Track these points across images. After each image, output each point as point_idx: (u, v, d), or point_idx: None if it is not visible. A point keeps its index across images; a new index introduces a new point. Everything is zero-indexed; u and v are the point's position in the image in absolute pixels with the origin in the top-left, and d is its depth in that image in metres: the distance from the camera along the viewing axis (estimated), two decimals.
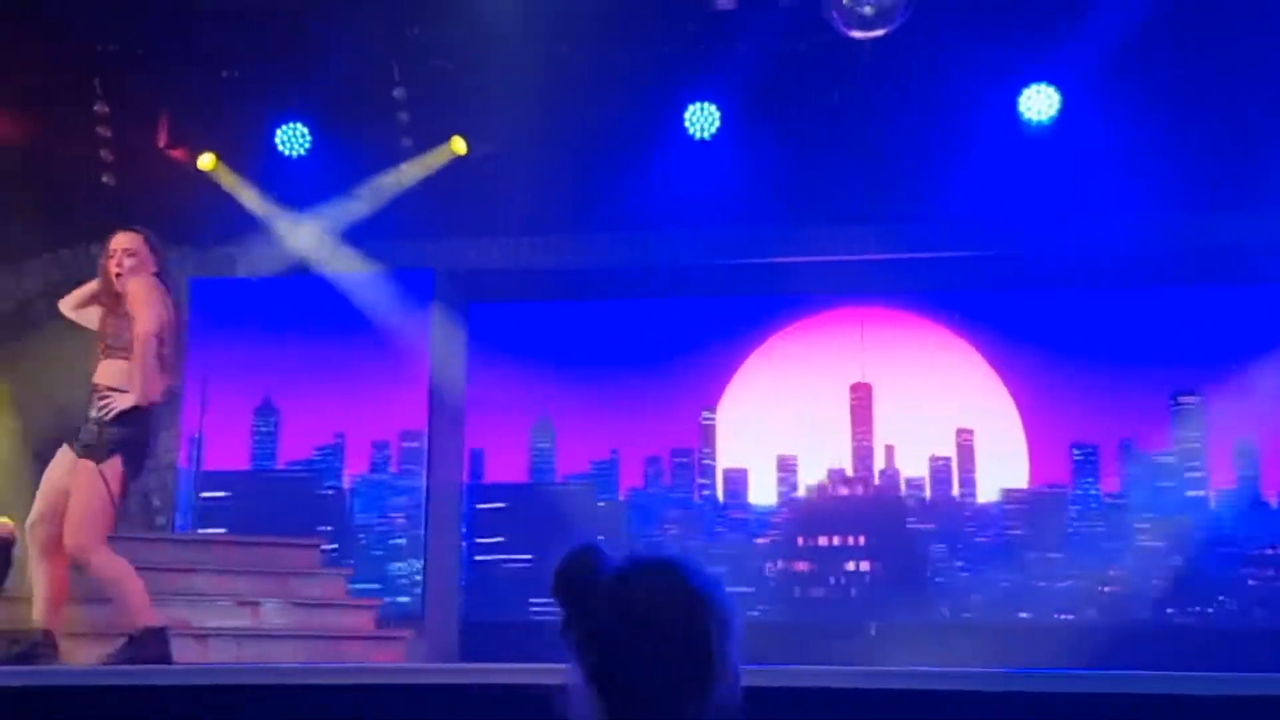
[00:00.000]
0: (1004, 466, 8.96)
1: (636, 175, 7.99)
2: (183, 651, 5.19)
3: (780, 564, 8.98)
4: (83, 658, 5.01)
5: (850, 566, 8.99)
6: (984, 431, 8.99)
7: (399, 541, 9.10)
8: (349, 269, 8.88)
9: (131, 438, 4.91)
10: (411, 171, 8.34)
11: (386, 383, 9.14)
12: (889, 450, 9.10)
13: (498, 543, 9.20)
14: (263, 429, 9.30)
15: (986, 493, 8.95)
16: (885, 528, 8.99)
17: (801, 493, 9.14)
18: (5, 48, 7.24)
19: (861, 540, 9.00)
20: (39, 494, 4.97)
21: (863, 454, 9.12)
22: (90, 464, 4.83)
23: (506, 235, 8.63)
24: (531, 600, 8.90)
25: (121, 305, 5.03)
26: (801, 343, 9.23)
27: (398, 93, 7.97)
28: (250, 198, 8.42)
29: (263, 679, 3.84)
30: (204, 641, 6.15)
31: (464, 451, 9.30)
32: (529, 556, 9.02)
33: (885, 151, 7.83)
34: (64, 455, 4.97)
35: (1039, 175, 7.83)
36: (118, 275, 5.04)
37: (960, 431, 9.03)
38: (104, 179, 8.08)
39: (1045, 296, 8.97)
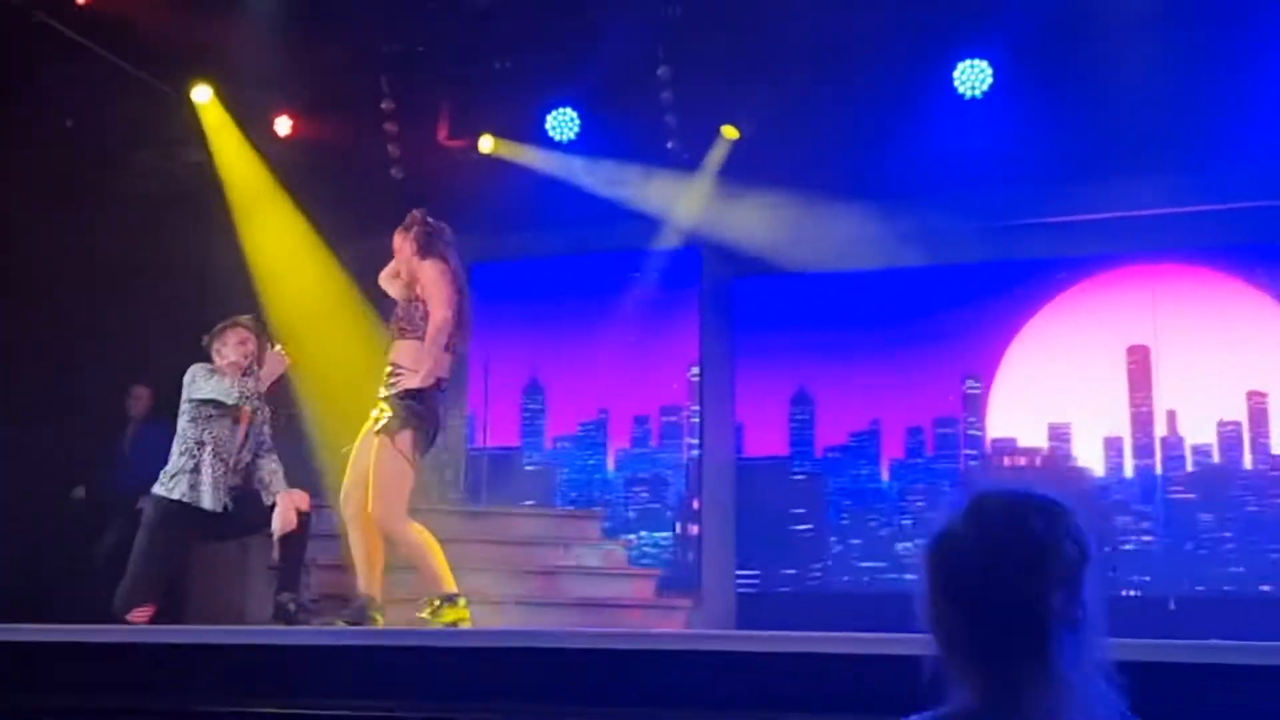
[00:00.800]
0: None
1: (905, 139, 7.79)
2: (479, 619, 5.48)
3: None
4: (396, 620, 5.37)
5: None
6: None
7: (630, 514, 9.28)
8: (618, 247, 9.10)
9: (421, 414, 5.21)
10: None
11: (650, 358, 9.29)
12: (1170, 415, 8.60)
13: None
14: (531, 406, 9.66)
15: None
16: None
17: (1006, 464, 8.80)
18: (303, 57, 7.78)
19: None
20: (348, 471, 5.33)
21: (1141, 420, 8.65)
22: (385, 439, 5.15)
23: (772, 208, 8.63)
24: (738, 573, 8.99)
25: (413, 289, 5.36)
26: (1082, 305, 8.80)
27: (662, 71, 8.08)
28: (528, 178, 8.71)
29: (548, 642, 4.02)
30: (497, 609, 6.46)
31: (733, 424, 9.40)
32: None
33: (1172, 98, 7.31)
34: (367, 434, 5.32)
35: None
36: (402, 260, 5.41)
37: (1252, 394, 8.43)
38: (393, 172, 8.56)
39: None
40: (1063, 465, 8.73)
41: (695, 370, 9.32)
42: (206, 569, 7.82)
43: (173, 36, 7.61)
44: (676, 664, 3.64)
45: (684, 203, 8.69)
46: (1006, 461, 8.87)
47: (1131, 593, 8.24)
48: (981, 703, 1.52)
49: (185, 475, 5.43)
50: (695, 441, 9.24)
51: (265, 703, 3.76)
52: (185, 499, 5.41)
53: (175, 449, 5.50)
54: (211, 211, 8.55)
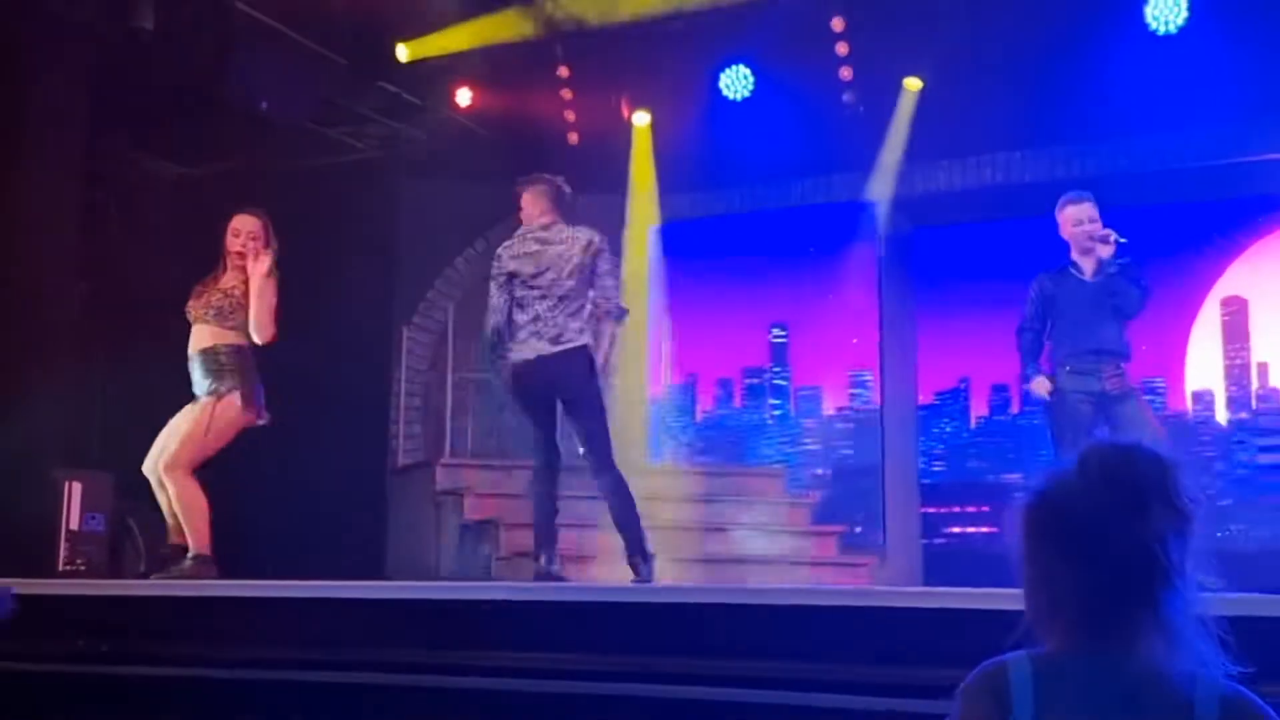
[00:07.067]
0: None
1: (1093, 80, 7.47)
2: (664, 576, 5.57)
3: None
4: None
5: None
6: None
7: (813, 472, 9.20)
8: (794, 204, 9.01)
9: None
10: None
11: (828, 314, 9.20)
12: (1262, 368, 8.21)
13: None
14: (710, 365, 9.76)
15: None
16: None
17: None
18: (479, 32, 7.96)
19: None
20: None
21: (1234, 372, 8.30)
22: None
23: (952, 157, 8.42)
24: None
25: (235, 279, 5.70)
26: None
27: (835, 23, 7.95)
28: (704, 137, 8.69)
29: (733, 599, 4.06)
30: (682, 565, 6.55)
31: (916, 379, 9.25)
32: None
33: None
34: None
35: None
36: (239, 253, 5.72)
37: None
38: (570, 139, 8.67)
39: None
40: None
41: (778, 331, 9.28)
42: (405, 527, 8.17)
43: (359, 15, 7.87)
44: (860, 620, 3.64)
45: (861, 156, 8.55)
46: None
47: None
48: (1087, 649, 1.56)
49: None
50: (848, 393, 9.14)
51: (459, 655, 3.91)
52: None
53: None
54: (398, 184, 8.85)
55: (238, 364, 5.61)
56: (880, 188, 8.61)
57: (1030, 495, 1.64)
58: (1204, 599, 1.57)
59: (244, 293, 5.66)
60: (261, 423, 5.68)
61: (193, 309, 5.72)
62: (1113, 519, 1.55)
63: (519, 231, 5.62)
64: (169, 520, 5.68)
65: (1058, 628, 1.59)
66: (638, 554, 5.24)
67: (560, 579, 5.33)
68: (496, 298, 5.46)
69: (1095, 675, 1.56)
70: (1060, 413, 5.50)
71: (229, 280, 5.73)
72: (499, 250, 5.55)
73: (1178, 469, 1.59)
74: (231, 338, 5.64)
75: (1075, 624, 1.58)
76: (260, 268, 5.64)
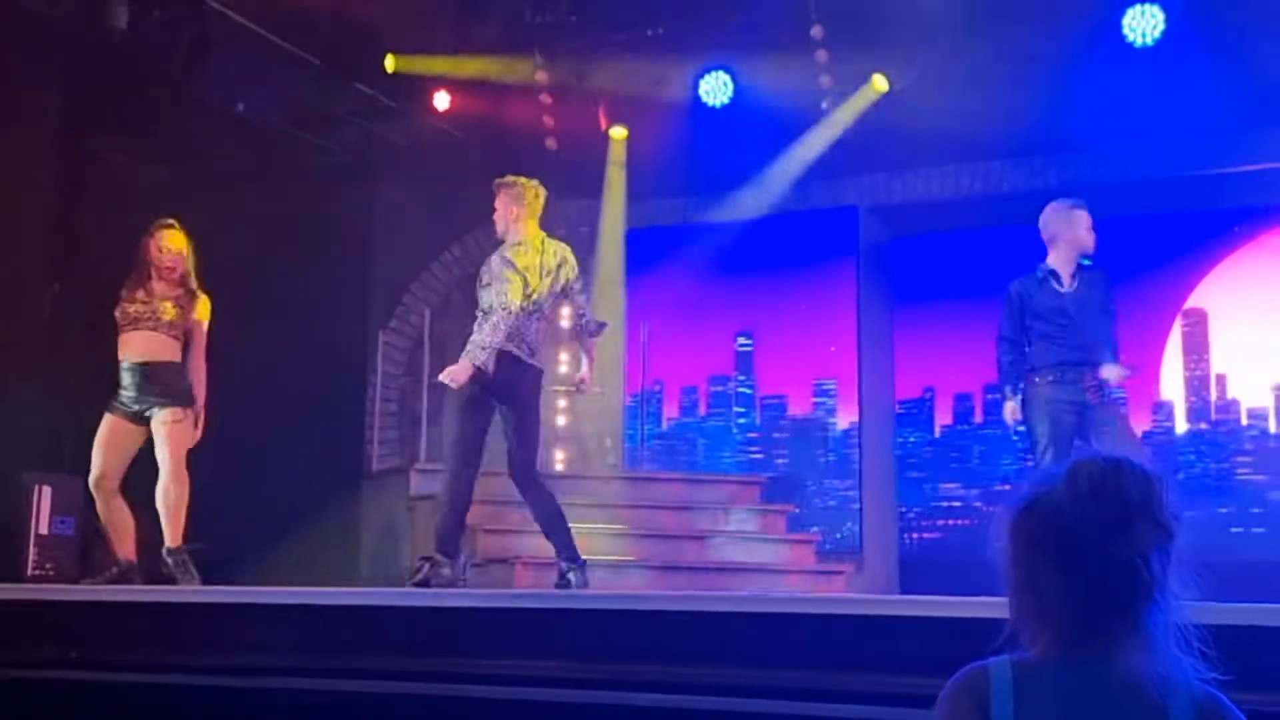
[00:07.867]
0: None
1: (1071, 91, 7.52)
2: (640, 583, 5.56)
3: None
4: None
5: None
6: None
7: (790, 480, 9.20)
8: (774, 211, 9.02)
9: None
10: (840, 118, 8.29)
11: (807, 323, 9.18)
12: (1220, 379, 8.30)
13: None
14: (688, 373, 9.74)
15: None
16: None
17: None
18: (459, 32, 7.93)
19: None
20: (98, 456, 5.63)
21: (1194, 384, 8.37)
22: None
23: (931, 166, 8.44)
24: None
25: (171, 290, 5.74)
26: (1250, 261, 8.42)
27: (815, 31, 7.96)
28: (683, 143, 8.68)
29: (709, 606, 4.05)
30: (659, 574, 6.53)
31: (894, 387, 9.24)
32: None
33: None
34: (109, 420, 5.65)
35: None
36: (169, 267, 5.75)
37: None
38: (548, 144, 8.65)
39: None
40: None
41: (744, 340, 9.26)
42: (378, 533, 8.12)
43: (336, 17, 7.84)
44: (837, 628, 3.63)
45: (840, 163, 8.56)
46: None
47: None
48: (1067, 657, 1.59)
49: None
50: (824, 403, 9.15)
51: (432, 662, 3.88)
52: None
53: None
54: (375, 188, 8.80)
55: (181, 381, 5.69)
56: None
57: (1018, 501, 1.65)
58: (1183, 609, 1.59)
59: (185, 304, 5.75)
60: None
61: (130, 311, 5.73)
62: (1098, 533, 1.57)
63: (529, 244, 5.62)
64: (111, 534, 5.69)
65: (1040, 634, 1.61)
66: (570, 559, 5.31)
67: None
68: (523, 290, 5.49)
69: (1074, 682, 1.58)
70: (1043, 420, 5.49)
71: (164, 290, 5.78)
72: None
73: (1164, 485, 1.61)
74: (174, 351, 5.71)
75: (1057, 631, 1.60)
76: (200, 359, 5.74)
